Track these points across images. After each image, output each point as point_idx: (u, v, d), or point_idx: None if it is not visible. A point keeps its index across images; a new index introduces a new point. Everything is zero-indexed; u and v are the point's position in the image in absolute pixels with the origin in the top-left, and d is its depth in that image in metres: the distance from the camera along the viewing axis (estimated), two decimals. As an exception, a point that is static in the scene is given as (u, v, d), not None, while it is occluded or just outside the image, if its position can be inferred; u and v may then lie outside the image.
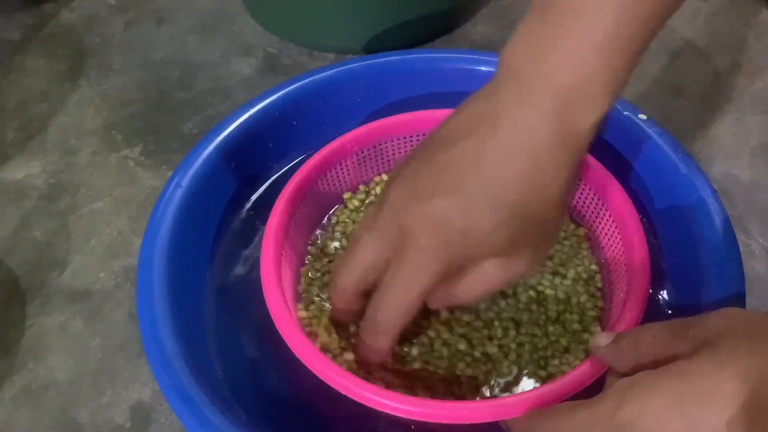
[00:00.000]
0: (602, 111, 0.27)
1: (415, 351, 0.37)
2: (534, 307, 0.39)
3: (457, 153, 0.28)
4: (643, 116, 0.43)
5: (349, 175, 0.45)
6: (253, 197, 0.46)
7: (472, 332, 0.38)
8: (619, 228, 0.39)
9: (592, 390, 0.29)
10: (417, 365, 0.36)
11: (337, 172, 0.44)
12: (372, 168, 0.46)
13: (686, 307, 0.37)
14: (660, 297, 0.39)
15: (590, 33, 0.26)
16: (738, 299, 0.35)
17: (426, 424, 0.30)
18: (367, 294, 0.33)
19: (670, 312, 0.39)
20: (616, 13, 0.26)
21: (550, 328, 0.38)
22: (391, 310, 0.30)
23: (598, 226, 0.42)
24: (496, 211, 0.28)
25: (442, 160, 0.28)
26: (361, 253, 0.31)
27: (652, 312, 0.35)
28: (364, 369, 0.35)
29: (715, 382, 0.22)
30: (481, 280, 0.30)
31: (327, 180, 0.43)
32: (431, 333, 0.37)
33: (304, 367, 0.32)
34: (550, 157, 0.27)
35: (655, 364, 0.24)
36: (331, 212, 0.45)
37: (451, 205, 0.28)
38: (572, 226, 0.43)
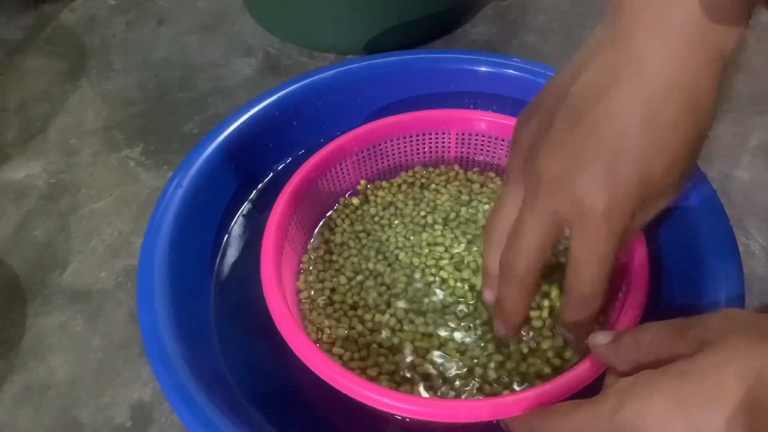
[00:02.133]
0: (742, 27, 0.26)
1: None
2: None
3: (609, 107, 0.27)
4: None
5: (349, 175, 0.45)
6: (254, 197, 0.46)
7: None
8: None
9: (591, 389, 0.29)
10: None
11: (337, 172, 0.44)
12: (372, 168, 0.46)
13: (686, 307, 0.37)
14: (659, 297, 0.39)
15: None
16: (738, 299, 0.35)
17: (426, 422, 0.30)
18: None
19: (669, 312, 0.39)
20: None
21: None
22: (596, 280, 0.29)
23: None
24: (667, 153, 0.27)
25: (594, 118, 0.27)
26: (532, 235, 0.30)
27: (651, 312, 0.35)
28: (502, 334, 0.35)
29: (716, 382, 0.22)
30: (648, 213, 0.30)
31: (327, 180, 0.43)
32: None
33: (305, 366, 0.32)
34: (704, 84, 0.27)
35: (656, 364, 0.24)
36: (331, 212, 0.45)
37: (621, 161, 0.27)
38: None
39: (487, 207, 0.44)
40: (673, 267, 0.40)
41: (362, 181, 0.46)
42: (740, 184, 0.51)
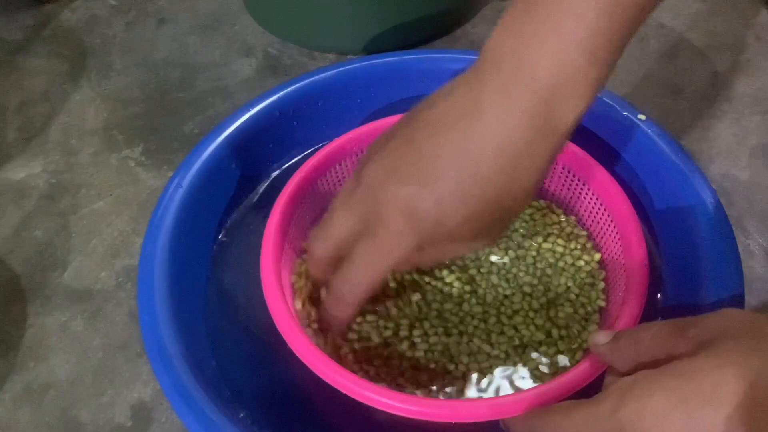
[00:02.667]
0: (584, 106, 0.27)
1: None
2: (528, 301, 0.39)
3: (439, 143, 0.28)
4: (642, 116, 0.43)
5: (349, 175, 0.45)
6: (254, 197, 0.46)
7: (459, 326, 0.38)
8: (617, 227, 0.39)
9: (590, 389, 0.29)
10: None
11: (337, 173, 0.44)
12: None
13: (685, 307, 0.37)
14: (659, 297, 0.39)
15: (572, 29, 0.26)
16: (737, 299, 0.35)
17: (425, 422, 0.30)
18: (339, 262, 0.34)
19: (669, 312, 0.39)
20: (597, 9, 0.26)
21: (547, 324, 0.38)
22: (356, 284, 0.32)
23: (596, 226, 0.42)
24: (469, 206, 0.28)
25: (425, 148, 0.29)
26: (335, 227, 0.32)
27: (651, 312, 0.35)
28: (324, 334, 0.37)
29: (716, 382, 0.22)
30: (439, 257, 0.32)
31: (327, 180, 0.43)
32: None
33: (305, 366, 0.32)
34: (529, 153, 0.28)
35: (655, 364, 0.24)
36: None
37: (427, 195, 0.28)
38: (576, 228, 0.43)
39: None
40: (673, 267, 0.40)
41: None
42: (740, 184, 0.51)
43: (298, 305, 0.37)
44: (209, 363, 0.38)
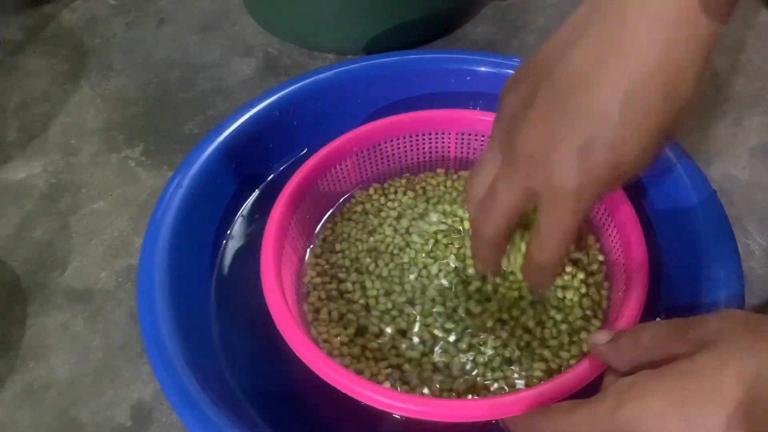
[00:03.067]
0: (728, 8, 0.27)
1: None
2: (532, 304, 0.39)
3: (593, 90, 0.27)
4: (642, 116, 0.43)
5: (349, 175, 0.45)
6: (254, 197, 0.46)
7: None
8: (617, 227, 0.39)
9: (590, 389, 0.29)
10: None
11: (337, 172, 0.44)
12: (372, 168, 0.46)
13: (685, 307, 0.37)
14: (659, 297, 0.39)
15: None
16: (737, 299, 0.35)
17: (425, 422, 0.30)
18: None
19: (669, 312, 0.39)
20: None
21: (548, 324, 0.38)
22: (554, 251, 0.31)
23: (596, 225, 0.42)
24: (642, 138, 0.27)
25: (578, 99, 0.28)
26: (503, 203, 0.31)
27: (651, 312, 0.35)
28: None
29: (715, 383, 0.22)
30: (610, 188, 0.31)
31: (327, 180, 0.43)
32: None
33: (305, 365, 0.32)
34: (686, 68, 0.27)
35: (655, 364, 0.24)
36: (330, 212, 0.45)
37: (598, 144, 0.27)
38: None
39: None
40: (673, 267, 0.40)
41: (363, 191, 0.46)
42: (740, 184, 0.51)
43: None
44: (209, 363, 0.38)
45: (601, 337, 0.29)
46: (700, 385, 0.22)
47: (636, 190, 0.43)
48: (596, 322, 0.38)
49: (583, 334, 0.38)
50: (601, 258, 0.41)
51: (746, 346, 0.22)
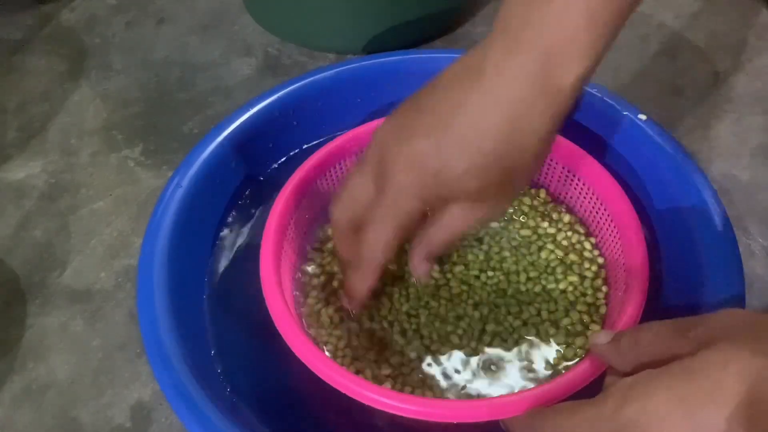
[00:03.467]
0: (584, 70, 0.28)
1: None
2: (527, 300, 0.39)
3: (441, 98, 0.30)
4: (643, 116, 0.43)
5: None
6: (254, 197, 0.46)
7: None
8: (617, 227, 0.39)
9: (591, 389, 0.29)
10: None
11: (336, 172, 0.44)
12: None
13: (686, 307, 0.37)
14: (660, 297, 0.39)
15: None
16: (738, 299, 0.35)
17: (424, 422, 0.30)
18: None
19: (669, 312, 0.39)
20: None
21: (547, 324, 0.38)
22: (373, 242, 0.32)
23: (596, 226, 0.42)
24: (469, 157, 0.29)
25: (427, 103, 0.30)
26: (351, 189, 0.33)
27: (651, 312, 0.35)
28: (348, 308, 0.38)
29: (718, 381, 0.22)
30: (448, 224, 0.32)
31: (327, 179, 0.43)
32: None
33: (305, 366, 0.32)
34: (530, 111, 0.28)
35: (656, 363, 0.24)
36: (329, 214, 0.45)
37: (428, 146, 0.29)
38: (575, 223, 0.43)
39: None
40: (673, 267, 0.40)
41: None
42: (740, 183, 0.51)
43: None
44: (209, 363, 0.38)
45: (602, 338, 0.29)
46: (702, 384, 0.22)
47: (636, 190, 0.43)
48: (595, 326, 0.38)
49: (580, 340, 0.38)
50: (600, 261, 0.41)
51: (748, 345, 0.22)
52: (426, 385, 0.36)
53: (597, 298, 0.39)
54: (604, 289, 0.40)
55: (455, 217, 0.32)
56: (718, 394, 0.21)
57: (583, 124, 0.44)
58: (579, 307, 0.39)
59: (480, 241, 0.42)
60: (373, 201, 0.32)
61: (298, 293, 0.41)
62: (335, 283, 0.41)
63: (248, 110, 0.45)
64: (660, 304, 0.39)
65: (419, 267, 0.35)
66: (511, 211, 0.43)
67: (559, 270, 0.40)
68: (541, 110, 0.28)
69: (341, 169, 0.44)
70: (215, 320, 0.40)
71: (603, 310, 0.39)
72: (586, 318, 0.38)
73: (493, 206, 0.32)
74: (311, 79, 0.47)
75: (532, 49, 0.28)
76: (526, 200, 0.44)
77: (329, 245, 0.43)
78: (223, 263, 0.43)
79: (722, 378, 0.22)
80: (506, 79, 0.28)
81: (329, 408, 0.37)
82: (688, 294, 0.37)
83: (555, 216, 0.43)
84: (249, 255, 0.44)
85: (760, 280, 0.45)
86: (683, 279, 0.38)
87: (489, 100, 0.28)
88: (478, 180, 0.29)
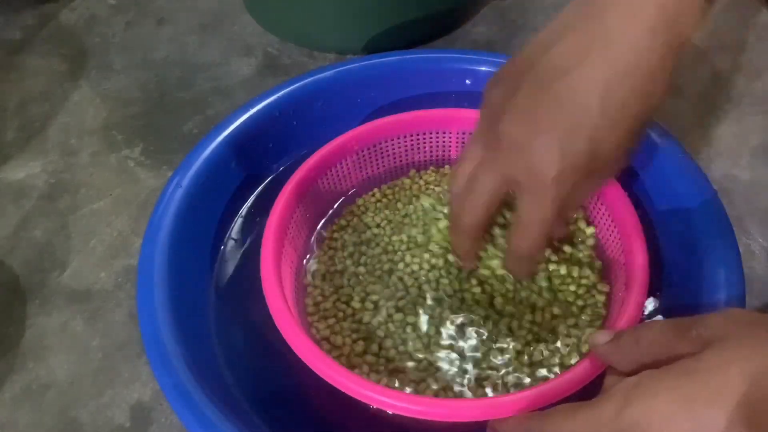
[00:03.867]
0: (700, 23, 0.28)
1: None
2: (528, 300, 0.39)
3: (574, 82, 0.29)
4: (642, 116, 0.43)
5: (349, 174, 0.45)
6: (253, 197, 0.46)
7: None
8: (617, 227, 0.39)
9: (589, 391, 0.29)
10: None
11: (337, 171, 0.44)
12: (372, 167, 0.46)
13: (686, 307, 0.37)
14: (660, 297, 0.39)
15: None
16: (738, 299, 0.35)
17: (426, 423, 0.30)
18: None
19: (669, 312, 0.39)
20: None
21: (546, 326, 0.38)
22: (534, 239, 0.32)
23: (596, 226, 0.42)
24: (618, 131, 0.29)
25: (559, 90, 0.29)
26: (483, 191, 0.32)
27: (651, 312, 0.35)
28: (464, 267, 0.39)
29: (721, 381, 0.22)
30: (589, 186, 0.32)
31: (327, 179, 0.43)
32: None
33: (305, 366, 0.32)
34: (660, 69, 0.28)
35: (657, 363, 0.24)
36: (331, 211, 0.45)
37: (577, 134, 0.29)
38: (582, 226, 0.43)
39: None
40: (673, 267, 0.40)
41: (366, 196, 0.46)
42: (741, 183, 0.51)
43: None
44: (209, 363, 0.38)
45: (602, 337, 0.29)
46: (705, 384, 0.22)
47: (637, 189, 0.43)
48: (595, 324, 0.38)
49: (579, 340, 0.38)
50: (598, 264, 0.41)
51: (751, 345, 0.22)
52: (427, 384, 0.36)
53: (597, 299, 0.39)
54: (604, 288, 0.40)
55: (590, 184, 0.32)
56: (722, 394, 0.21)
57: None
58: (579, 308, 0.39)
59: None
60: (521, 201, 0.31)
61: (298, 292, 0.41)
62: (335, 283, 0.41)
63: (248, 110, 0.45)
64: (660, 304, 0.39)
65: (530, 268, 0.36)
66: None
67: (559, 270, 0.40)
68: (669, 67, 0.29)
69: (342, 168, 0.44)
70: (215, 320, 0.40)
71: (603, 310, 0.39)
72: (585, 318, 0.38)
73: (625, 160, 0.32)
74: (311, 79, 0.47)
75: (654, 12, 0.28)
76: None
77: (331, 243, 0.43)
78: (223, 263, 0.43)
79: (726, 377, 0.22)
80: (636, 47, 0.28)
81: (330, 407, 0.37)
82: (689, 294, 0.37)
83: None
84: (249, 254, 0.44)
85: (760, 280, 0.45)
86: (683, 279, 0.38)
87: (624, 71, 0.28)
88: (626, 148, 0.30)
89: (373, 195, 0.46)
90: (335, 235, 0.44)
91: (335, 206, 0.45)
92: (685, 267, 0.38)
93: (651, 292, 0.35)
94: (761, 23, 0.63)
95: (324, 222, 0.44)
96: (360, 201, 0.45)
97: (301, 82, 0.46)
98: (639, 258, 0.36)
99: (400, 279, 0.40)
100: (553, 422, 0.26)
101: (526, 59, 0.31)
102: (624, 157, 0.31)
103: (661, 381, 0.23)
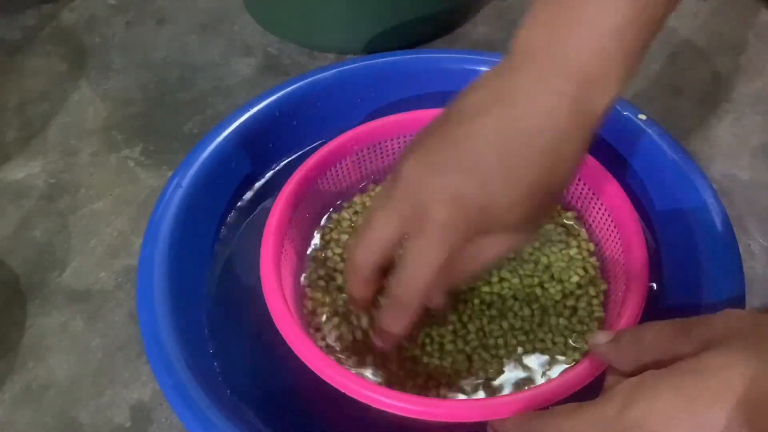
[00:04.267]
0: (616, 93, 0.28)
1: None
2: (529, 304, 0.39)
3: (474, 129, 0.28)
4: (643, 116, 0.43)
5: (349, 174, 0.45)
6: (253, 197, 0.46)
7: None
8: (617, 227, 0.39)
9: (589, 391, 0.29)
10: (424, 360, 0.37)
11: (337, 171, 0.44)
12: (372, 167, 0.46)
13: (686, 307, 0.37)
14: (660, 297, 0.39)
15: (608, 17, 0.27)
16: (738, 299, 0.35)
17: (425, 423, 0.30)
18: (383, 273, 0.33)
19: (669, 312, 0.39)
20: None
21: (545, 328, 0.38)
22: (414, 285, 0.30)
23: (596, 226, 0.42)
24: (514, 189, 0.28)
25: (460, 135, 0.29)
26: (377, 230, 0.31)
27: (651, 312, 0.35)
28: (380, 347, 0.35)
29: (723, 381, 0.22)
30: (478, 256, 0.31)
31: (327, 179, 0.43)
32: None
33: (304, 366, 0.32)
34: (567, 138, 0.28)
35: (658, 363, 0.24)
36: (330, 211, 0.45)
37: (470, 181, 0.28)
38: (578, 230, 0.43)
39: None
40: (674, 267, 0.40)
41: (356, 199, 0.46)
42: (740, 183, 0.51)
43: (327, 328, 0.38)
44: (209, 363, 0.38)
45: (602, 338, 0.29)
46: (707, 384, 0.22)
47: (636, 190, 0.43)
48: (595, 325, 0.38)
49: (579, 342, 0.38)
50: (597, 263, 0.41)
51: (752, 346, 0.22)
52: (425, 383, 0.36)
53: (597, 299, 0.39)
54: (603, 287, 0.40)
55: (488, 249, 0.31)
56: (724, 395, 0.21)
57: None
58: (579, 308, 0.39)
59: None
60: (408, 241, 0.30)
61: (298, 292, 0.41)
62: (337, 282, 0.41)
63: (248, 110, 0.45)
64: (660, 304, 0.39)
65: (437, 298, 0.34)
66: None
67: (559, 270, 0.40)
68: (579, 135, 0.28)
69: (342, 168, 0.44)
70: (215, 320, 0.40)
71: (600, 312, 0.39)
72: (586, 319, 0.38)
73: (528, 233, 0.31)
74: (311, 79, 0.47)
75: (566, 78, 0.27)
76: None
77: (330, 244, 0.43)
78: (223, 263, 0.43)
79: (728, 378, 0.22)
80: (542, 109, 0.27)
81: (329, 407, 0.37)
82: (689, 294, 0.37)
83: (555, 216, 0.43)
84: (249, 255, 0.43)
85: (760, 280, 0.46)
86: (683, 279, 0.38)
87: (527, 130, 0.28)
88: (523, 209, 0.29)
89: (369, 196, 0.46)
90: (333, 234, 0.44)
91: (335, 206, 0.45)
92: (685, 267, 0.38)
93: (651, 293, 0.35)
94: (761, 23, 0.64)
95: (324, 222, 0.44)
96: (357, 200, 0.45)
97: (301, 82, 0.46)
98: (638, 258, 0.36)
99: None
100: (553, 422, 0.26)
101: (440, 113, 0.31)
102: (526, 223, 0.30)
103: (663, 381, 0.23)
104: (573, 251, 0.41)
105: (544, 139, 0.28)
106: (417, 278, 0.30)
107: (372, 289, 0.34)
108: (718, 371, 0.22)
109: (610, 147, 0.44)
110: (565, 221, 0.43)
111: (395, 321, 0.32)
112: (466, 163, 0.28)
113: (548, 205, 0.30)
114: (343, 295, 0.40)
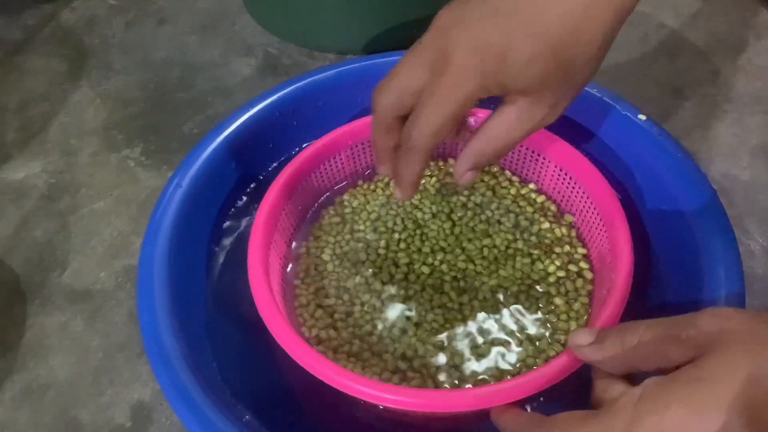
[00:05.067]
0: None
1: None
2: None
3: None
4: (642, 116, 0.43)
5: (342, 168, 0.45)
6: (253, 197, 0.46)
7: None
8: (605, 225, 0.39)
9: (580, 382, 0.29)
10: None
11: (330, 166, 0.44)
12: (366, 162, 0.46)
13: (686, 306, 0.37)
14: (659, 297, 0.39)
15: None
16: (738, 299, 0.35)
17: (425, 417, 0.30)
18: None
19: (669, 312, 0.39)
20: None
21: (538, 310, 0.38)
22: (425, 126, 0.30)
23: (585, 225, 0.42)
24: (535, 43, 0.28)
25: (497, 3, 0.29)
26: (402, 74, 0.31)
27: (651, 312, 0.35)
28: (400, 197, 0.35)
29: (730, 387, 0.22)
30: (504, 127, 0.31)
31: (320, 173, 0.43)
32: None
33: (299, 365, 0.32)
34: (594, 12, 0.28)
35: (648, 365, 0.24)
36: (324, 207, 0.45)
37: (493, 29, 0.28)
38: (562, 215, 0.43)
39: (481, 199, 0.44)
40: (673, 267, 0.40)
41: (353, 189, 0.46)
42: (740, 184, 0.51)
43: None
44: (209, 363, 0.38)
45: (583, 338, 0.28)
46: (714, 392, 0.22)
47: (636, 189, 0.43)
48: (573, 324, 0.38)
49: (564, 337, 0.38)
50: (586, 266, 0.41)
51: (752, 349, 0.22)
52: (416, 376, 0.36)
53: (581, 296, 0.39)
54: (588, 288, 0.40)
55: (510, 120, 0.31)
56: (732, 402, 0.21)
57: (582, 125, 0.44)
58: (565, 305, 0.39)
59: (467, 234, 0.42)
60: (427, 86, 0.30)
61: (287, 288, 0.41)
62: (326, 281, 0.41)
63: (248, 110, 0.45)
64: (659, 305, 0.39)
65: (465, 176, 0.33)
66: (504, 209, 0.44)
67: (547, 268, 0.41)
68: (604, 16, 0.28)
69: (335, 162, 0.44)
70: (215, 320, 0.40)
71: (585, 313, 0.39)
72: (571, 315, 0.38)
73: (551, 106, 0.30)
74: (311, 79, 0.47)
75: None
76: (512, 191, 0.44)
77: (321, 237, 0.43)
78: (223, 263, 0.43)
79: (735, 384, 0.22)
80: None
81: (329, 407, 0.37)
82: (688, 294, 0.37)
83: (546, 213, 0.43)
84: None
85: (760, 280, 0.45)
86: (683, 279, 0.38)
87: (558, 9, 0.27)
88: (541, 67, 0.28)
89: (360, 191, 0.46)
90: (324, 228, 0.44)
91: (327, 201, 0.45)
92: (685, 267, 0.38)
93: (651, 293, 0.35)
94: (761, 23, 0.64)
95: (317, 217, 0.44)
96: (347, 196, 0.45)
97: (301, 82, 0.46)
98: (623, 256, 0.36)
99: (390, 276, 0.40)
100: None
101: None
102: (544, 95, 0.30)
103: (669, 391, 0.23)
104: (561, 251, 0.41)
105: (567, 12, 0.28)
106: (430, 120, 0.30)
107: (393, 139, 0.33)
108: (723, 377, 0.22)
109: (610, 147, 0.44)
110: (557, 221, 0.43)
111: (407, 165, 0.32)
112: (494, 13, 0.28)
113: (568, 76, 0.29)
114: (332, 290, 0.40)
